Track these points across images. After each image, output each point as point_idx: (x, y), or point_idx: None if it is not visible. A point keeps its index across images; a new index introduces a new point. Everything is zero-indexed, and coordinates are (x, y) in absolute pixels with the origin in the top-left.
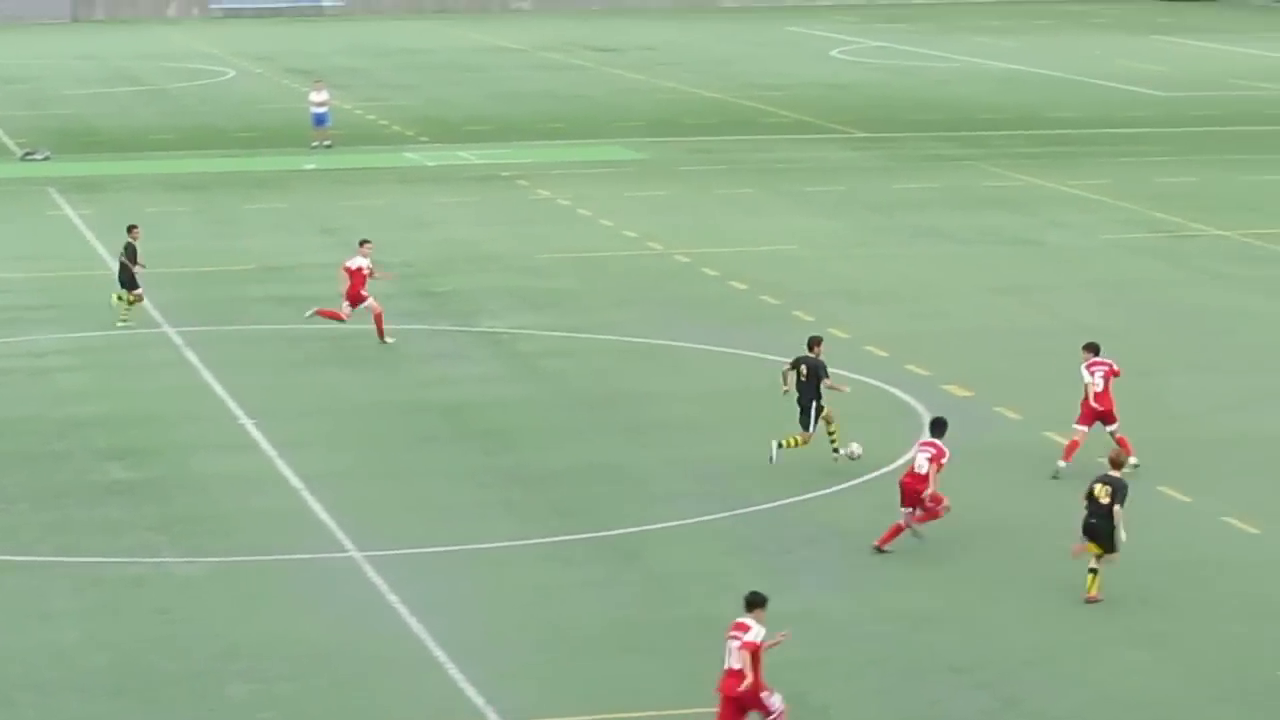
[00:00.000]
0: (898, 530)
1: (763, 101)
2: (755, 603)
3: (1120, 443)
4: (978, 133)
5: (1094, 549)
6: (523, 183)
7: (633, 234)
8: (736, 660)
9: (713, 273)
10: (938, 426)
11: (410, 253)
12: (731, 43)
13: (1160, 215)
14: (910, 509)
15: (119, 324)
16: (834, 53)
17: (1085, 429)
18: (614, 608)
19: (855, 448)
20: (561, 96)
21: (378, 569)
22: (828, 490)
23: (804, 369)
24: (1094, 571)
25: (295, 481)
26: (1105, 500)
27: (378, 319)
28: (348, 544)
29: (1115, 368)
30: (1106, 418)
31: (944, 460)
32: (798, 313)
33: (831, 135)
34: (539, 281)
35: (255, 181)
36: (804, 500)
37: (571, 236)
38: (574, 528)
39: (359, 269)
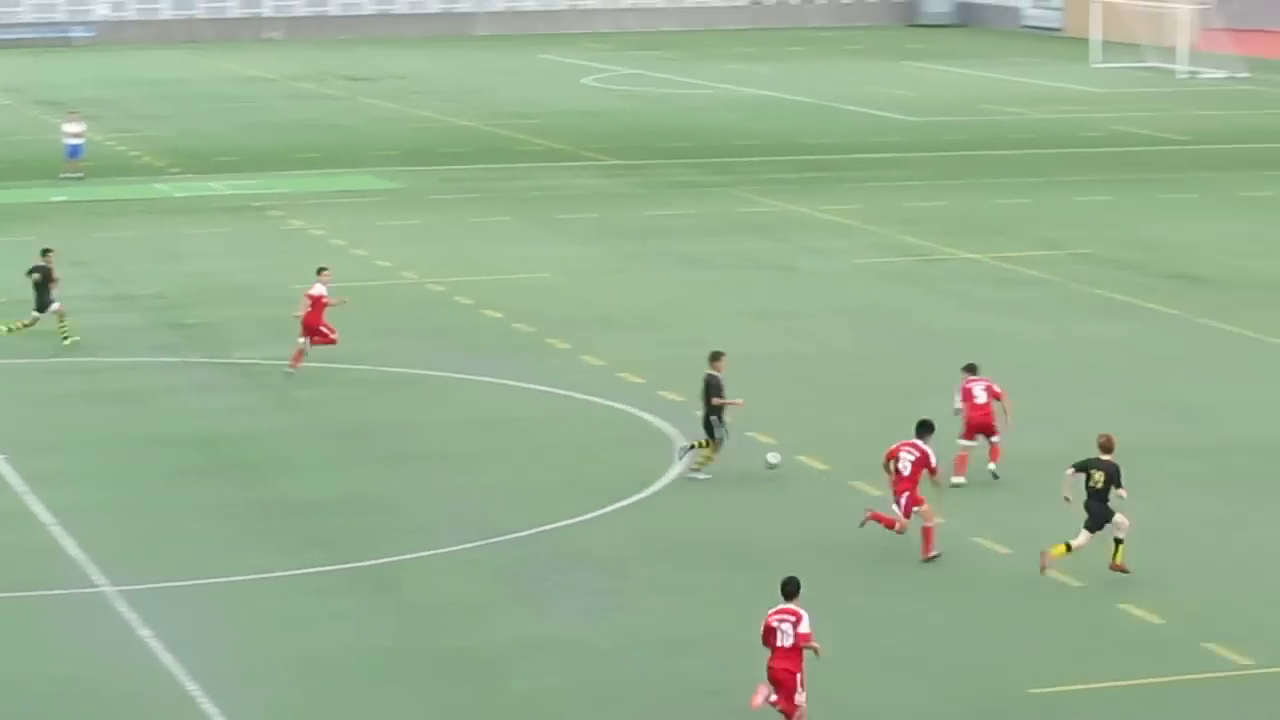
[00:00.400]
0: (927, 534)
1: (516, 129)
2: (794, 590)
3: (993, 451)
4: (730, 159)
5: (1057, 552)
6: (275, 213)
7: (386, 263)
8: (788, 639)
9: (466, 301)
10: (922, 428)
11: (162, 285)
12: (484, 71)
13: (911, 240)
14: (910, 507)
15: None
16: (586, 80)
17: (971, 443)
18: (370, 638)
19: (773, 457)
20: (314, 126)
21: (130, 603)
22: (583, 517)
23: (702, 385)
24: (1119, 541)
25: (45, 517)
26: (1099, 485)
27: (323, 339)
28: (99, 579)
29: (995, 387)
30: (986, 429)
31: (931, 465)
32: (552, 340)
33: (585, 163)
34: (292, 312)
35: (3, 214)
36: (559, 528)
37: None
38: (329, 559)
39: (320, 297)
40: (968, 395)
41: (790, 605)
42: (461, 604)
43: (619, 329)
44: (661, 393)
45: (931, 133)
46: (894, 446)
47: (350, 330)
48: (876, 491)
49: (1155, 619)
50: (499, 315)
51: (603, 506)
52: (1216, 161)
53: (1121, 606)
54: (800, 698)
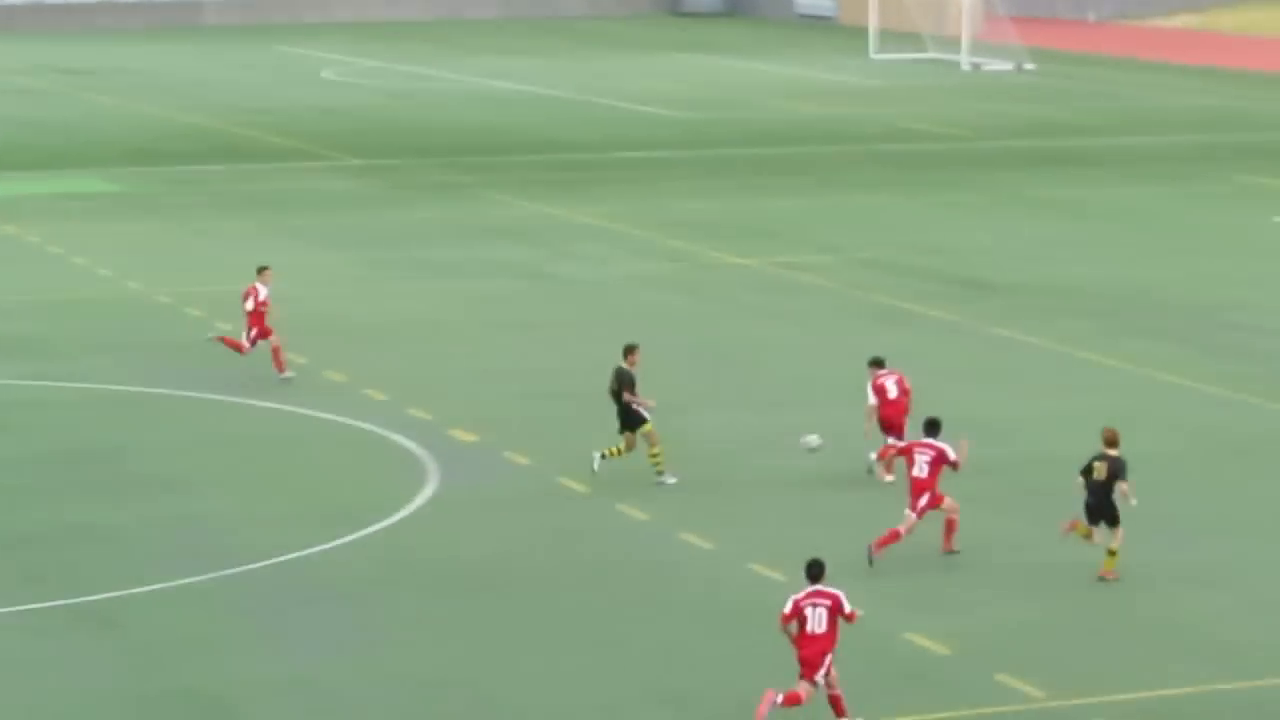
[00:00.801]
0: (950, 526)
1: (251, 127)
2: (820, 571)
3: (883, 453)
4: (483, 158)
5: (1082, 530)
6: None
7: (108, 273)
8: (820, 624)
9: (197, 314)
10: (931, 427)
11: None
12: (215, 64)
13: (679, 244)
14: (931, 506)
15: None
16: (326, 74)
17: (887, 439)
18: (92, 681)
19: (813, 439)
20: (29, 124)
21: None
22: (326, 546)
23: (613, 379)
24: (1112, 553)
25: None
26: (1103, 479)
27: (235, 346)
28: None
29: (905, 382)
30: (899, 428)
31: (950, 459)
32: (291, 355)
33: (325, 163)
34: (3, 326)
35: None
36: (300, 557)
37: (40, 277)
38: (46, 595)
39: (263, 299)
40: (880, 391)
41: (820, 587)
42: (193, 642)
43: (363, 342)
44: (409, 410)
45: (700, 130)
46: (904, 446)
47: (68, 346)
48: (643, 515)
49: (943, 649)
50: (231, 328)
51: (347, 534)
52: (1004, 159)
53: (908, 636)
54: (831, 676)
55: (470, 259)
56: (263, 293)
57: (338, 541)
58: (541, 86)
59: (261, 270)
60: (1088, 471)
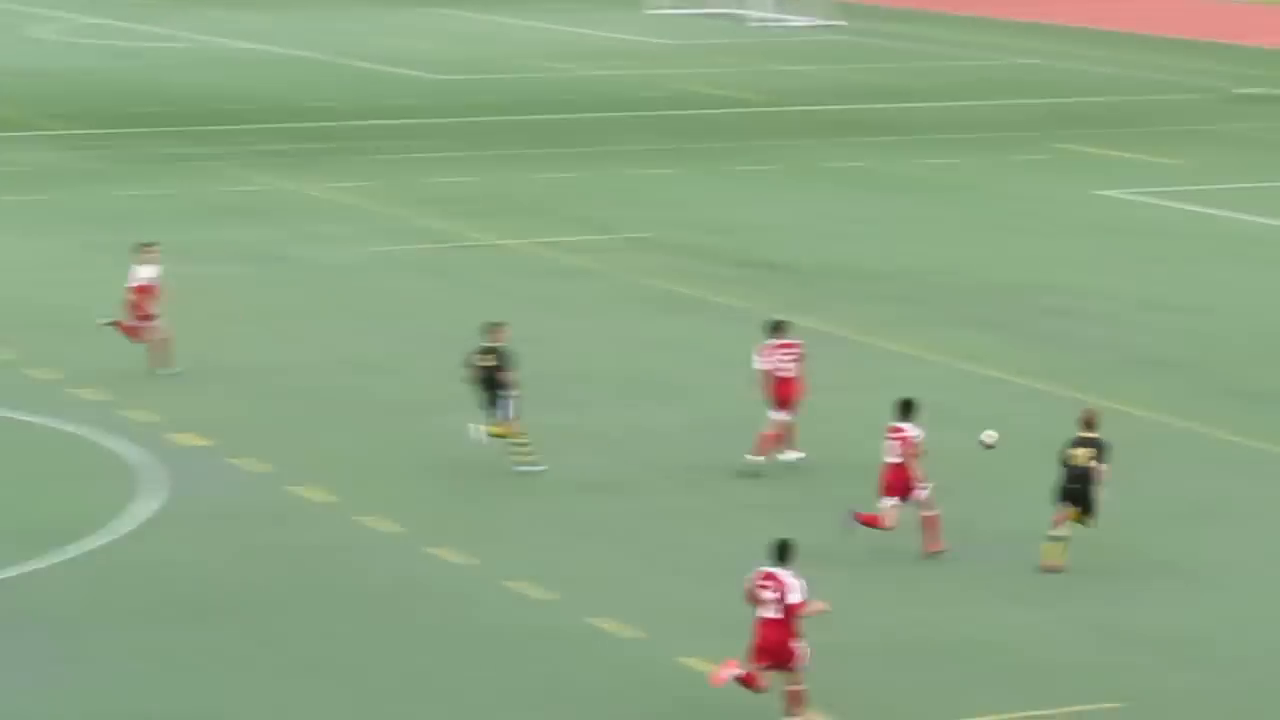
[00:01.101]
0: (874, 520)
1: None
2: (784, 554)
3: (764, 439)
4: (214, 127)
5: (1075, 516)
6: None
7: None
8: (772, 611)
9: None
10: (905, 409)
11: None
12: None
13: (433, 223)
14: (897, 499)
15: None
16: (34, 31)
17: (782, 415)
18: None
19: (988, 436)
20: None
21: None
22: (25, 567)
23: (492, 357)
24: (1060, 539)
25: None
26: (1086, 463)
27: (131, 332)
28: None
29: (798, 350)
30: (785, 404)
31: (915, 441)
32: None
33: (33, 132)
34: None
35: None
36: None
37: None
38: None
39: (148, 284)
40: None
41: (774, 570)
42: None
43: (75, 335)
44: (127, 412)
45: (458, 94)
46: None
47: None
48: (391, 528)
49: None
50: None
51: (53, 553)
52: (800, 127)
53: (682, 660)
54: (799, 669)
55: (198, 241)
56: (145, 274)
57: (42, 562)
58: (280, 45)
59: (147, 247)
60: (1067, 457)
